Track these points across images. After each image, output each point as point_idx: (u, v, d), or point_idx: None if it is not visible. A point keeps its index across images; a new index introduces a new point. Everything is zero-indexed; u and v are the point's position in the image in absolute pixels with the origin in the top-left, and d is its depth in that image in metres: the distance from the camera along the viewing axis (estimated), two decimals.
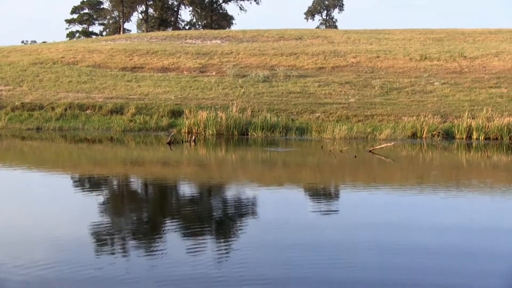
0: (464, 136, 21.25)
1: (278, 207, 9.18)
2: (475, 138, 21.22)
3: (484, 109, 22.63)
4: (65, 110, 24.90)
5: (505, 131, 20.92)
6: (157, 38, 45.45)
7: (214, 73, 31.69)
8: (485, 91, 27.43)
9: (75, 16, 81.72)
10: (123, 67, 33.12)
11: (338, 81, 29.60)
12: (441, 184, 11.84)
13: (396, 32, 46.68)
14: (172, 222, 8.13)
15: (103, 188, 11.25)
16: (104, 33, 79.42)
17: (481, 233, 7.41)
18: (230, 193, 10.67)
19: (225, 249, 6.56)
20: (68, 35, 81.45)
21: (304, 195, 10.80)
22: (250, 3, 77.93)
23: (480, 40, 42.28)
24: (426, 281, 5.47)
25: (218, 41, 43.21)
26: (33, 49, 40.47)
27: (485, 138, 21.12)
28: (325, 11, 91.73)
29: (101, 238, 7.02)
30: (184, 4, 73.23)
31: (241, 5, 75.90)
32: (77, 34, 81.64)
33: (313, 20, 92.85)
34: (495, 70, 31.66)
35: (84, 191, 10.89)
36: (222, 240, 7.03)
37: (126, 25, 78.15)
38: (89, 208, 8.94)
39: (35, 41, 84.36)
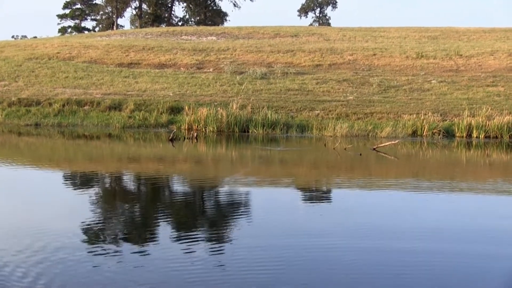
0: (464, 135, 21.36)
1: (286, 205, 9.18)
2: (475, 136, 21.33)
3: (484, 107, 22.74)
4: (63, 106, 24.71)
5: (505, 129, 21.05)
6: (152, 34, 45.24)
7: (211, 70, 31.59)
8: (482, 89, 27.57)
9: (67, 11, 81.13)
10: (119, 63, 32.93)
11: (336, 79, 29.63)
12: (454, 182, 11.89)
13: (391, 30, 46.80)
14: (176, 216, 8.09)
15: (117, 186, 11.17)
16: (97, 29, 78.90)
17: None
18: (242, 191, 10.61)
19: (224, 244, 6.59)
20: (60, 31, 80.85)
21: (314, 193, 10.79)
22: (244, 0, 77.86)
23: (474, 38, 42.50)
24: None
25: (214, 38, 43.09)
26: (28, 44, 40.11)
27: (485, 137, 21.23)
28: (318, 9, 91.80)
29: (101, 234, 6.96)
30: (178, 0, 73.00)
31: (235, 1, 75.73)
32: (69, 30, 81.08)
33: (306, 17, 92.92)
34: (491, 68, 31.84)
35: (96, 188, 10.80)
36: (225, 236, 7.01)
37: (119, 21, 77.65)
38: (99, 205, 8.87)
39: (25, 36, 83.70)
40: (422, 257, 6.09)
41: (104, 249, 6.19)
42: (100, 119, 23.68)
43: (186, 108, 23.13)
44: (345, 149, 16.80)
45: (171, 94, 26.50)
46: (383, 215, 8.34)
